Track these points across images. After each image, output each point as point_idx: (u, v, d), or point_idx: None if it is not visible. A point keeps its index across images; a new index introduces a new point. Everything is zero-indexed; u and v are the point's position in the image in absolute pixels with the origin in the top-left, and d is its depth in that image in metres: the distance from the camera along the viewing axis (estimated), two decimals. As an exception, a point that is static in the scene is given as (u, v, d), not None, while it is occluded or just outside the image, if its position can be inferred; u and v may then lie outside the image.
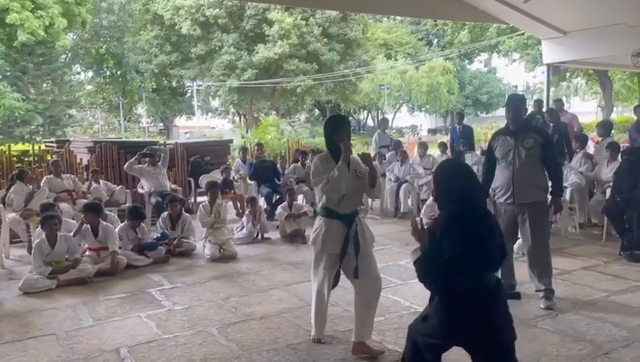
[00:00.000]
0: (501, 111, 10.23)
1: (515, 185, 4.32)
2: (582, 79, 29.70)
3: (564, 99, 41.92)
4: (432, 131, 42.81)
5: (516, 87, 46.85)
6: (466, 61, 44.23)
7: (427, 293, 2.57)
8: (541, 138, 4.37)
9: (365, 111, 46.24)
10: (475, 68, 46.79)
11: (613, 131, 9.31)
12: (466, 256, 2.34)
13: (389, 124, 15.44)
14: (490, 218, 2.56)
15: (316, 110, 42.43)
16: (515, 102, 4.49)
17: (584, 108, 38.85)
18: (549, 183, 4.51)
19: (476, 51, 37.62)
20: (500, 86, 45.86)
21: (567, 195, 6.98)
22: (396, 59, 38.81)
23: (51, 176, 7.58)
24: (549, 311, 4.23)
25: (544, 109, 9.55)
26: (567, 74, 26.23)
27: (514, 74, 41.73)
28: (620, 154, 6.94)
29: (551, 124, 8.88)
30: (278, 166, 9.48)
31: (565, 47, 10.06)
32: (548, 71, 10.95)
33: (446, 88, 36.87)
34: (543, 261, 4.42)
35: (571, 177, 7.09)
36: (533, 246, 4.39)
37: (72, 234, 5.72)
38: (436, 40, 42.65)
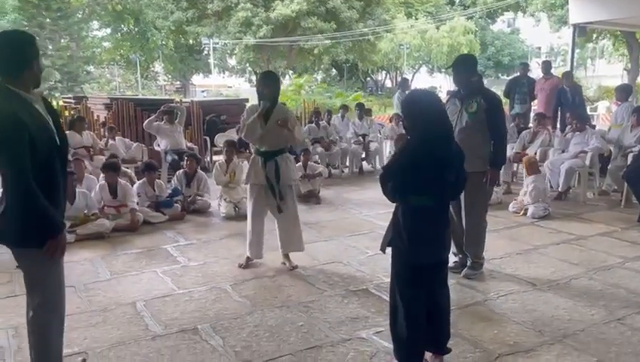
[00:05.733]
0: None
1: None
2: (608, 41, 28.72)
3: (589, 61, 40.39)
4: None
5: (540, 48, 45.51)
6: (489, 21, 42.93)
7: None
8: (486, 103, 4.04)
9: (384, 72, 45.47)
10: (498, 28, 45.43)
11: (632, 96, 9.02)
12: (419, 176, 2.64)
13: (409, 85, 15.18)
14: (448, 148, 2.74)
15: (333, 70, 41.82)
16: (459, 64, 4.21)
17: (610, 71, 37.75)
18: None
19: (499, 11, 36.48)
20: (522, 47, 44.58)
21: (587, 160, 6.86)
22: (416, 19, 37.80)
23: (71, 131, 7.63)
24: (475, 274, 4.17)
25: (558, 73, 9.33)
26: (594, 35, 25.33)
27: (538, 35, 40.39)
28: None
29: (567, 88, 8.68)
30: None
31: (593, 6, 9.71)
32: (574, 32, 10.61)
33: (467, 49, 35.89)
34: (473, 235, 4.18)
35: (592, 141, 6.94)
36: (465, 218, 4.17)
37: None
38: (458, -1, 41.36)
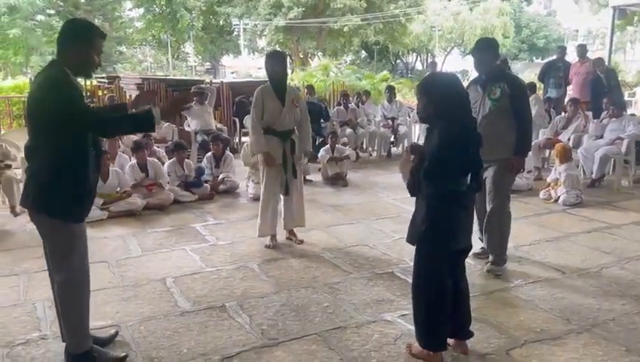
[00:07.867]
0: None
1: None
2: (651, 24, 27.61)
3: (628, 45, 39.04)
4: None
5: (577, 31, 44.08)
6: (524, 2, 41.72)
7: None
8: (510, 89, 3.86)
9: (414, 54, 44.79)
10: (534, 10, 44.12)
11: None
12: (456, 162, 2.60)
13: (438, 68, 14.80)
14: (474, 131, 2.75)
15: (363, 52, 41.38)
16: (479, 48, 3.99)
17: (650, 55, 36.41)
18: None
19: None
20: (559, 30, 43.23)
21: (623, 147, 6.68)
22: (450, 0, 37.02)
23: None
24: (499, 271, 3.99)
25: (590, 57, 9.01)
26: (635, 17, 24.39)
27: (576, 17, 39.21)
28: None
29: (601, 74, 8.40)
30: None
31: (635, -13, 9.36)
32: (614, 14, 10.26)
33: (501, 31, 34.99)
34: (494, 224, 4.03)
35: (629, 128, 6.74)
36: (488, 206, 4.04)
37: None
38: (494, -21, 40.19)
